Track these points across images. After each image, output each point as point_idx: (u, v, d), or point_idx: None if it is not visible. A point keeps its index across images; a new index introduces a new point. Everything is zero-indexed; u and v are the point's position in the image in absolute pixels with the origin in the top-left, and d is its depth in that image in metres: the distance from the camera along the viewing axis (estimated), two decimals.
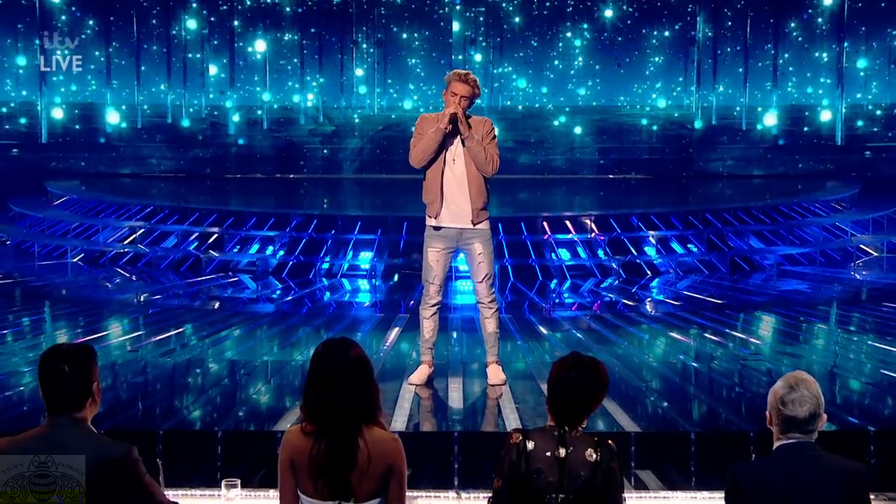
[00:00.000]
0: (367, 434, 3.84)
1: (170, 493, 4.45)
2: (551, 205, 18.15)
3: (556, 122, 21.88)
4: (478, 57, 21.81)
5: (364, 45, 21.84)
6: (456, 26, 21.76)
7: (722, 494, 3.93)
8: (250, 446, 6.40)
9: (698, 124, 21.63)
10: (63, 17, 21.19)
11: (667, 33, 21.77)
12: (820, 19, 21.42)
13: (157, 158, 21.63)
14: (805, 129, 21.50)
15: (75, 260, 14.47)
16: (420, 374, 7.52)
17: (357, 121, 21.89)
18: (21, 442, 3.79)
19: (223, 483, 4.87)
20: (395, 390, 7.32)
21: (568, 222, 14.34)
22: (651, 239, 14.15)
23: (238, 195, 19.39)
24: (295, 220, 14.50)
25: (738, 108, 21.59)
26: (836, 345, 9.77)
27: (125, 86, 21.49)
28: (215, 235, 14.32)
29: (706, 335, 9.88)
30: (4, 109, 21.40)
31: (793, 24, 21.54)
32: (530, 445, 3.95)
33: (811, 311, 11.31)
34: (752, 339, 9.91)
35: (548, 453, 3.93)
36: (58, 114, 21.32)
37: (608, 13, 21.68)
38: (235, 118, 21.72)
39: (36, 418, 6.32)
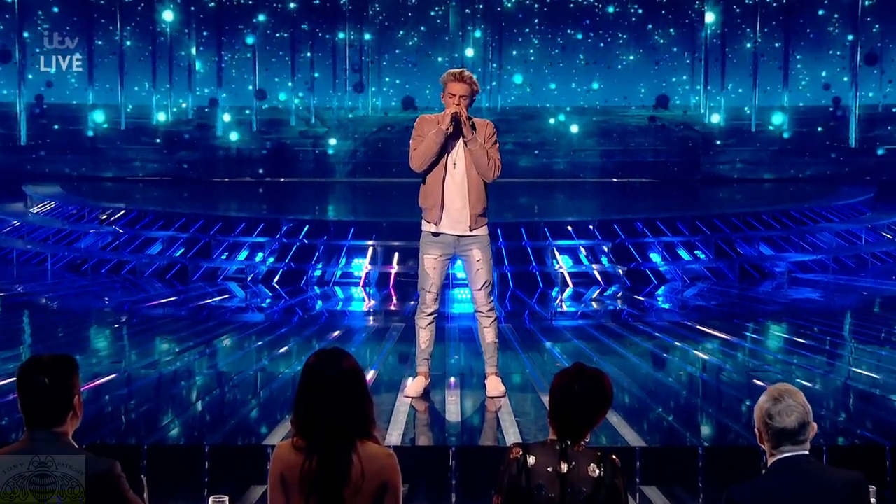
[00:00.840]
0: (361, 449, 3.84)
1: None
2: (553, 209, 18.17)
3: (557, 123, 21.89)
4: (470, 52, 21.82)
5: (357, 42, 21.87)
6: (453, 23, 21.79)
7: None
8: (239, 462, 6.40)
9: (706, 125, 21.65)
10: (41, 14, 21.19)
11: (672, 30, 21.81)
12: (834, 16, 21.44)
13: (142, 161, 21.63)
14: (818, 129, 21.52)
15: (55, 267, 14.47)
16: (416, 386, 7.52)
17: (350, 121, 21.91)
18: None
19: (210, 500, 4.85)
20: (390, 403, 7.32)
21: (570, 228, 14.35)
22: (657, 245, 14.17)
23: (226, 199, 19.39)
24: (285, 226, 14.50)
25: (747, 109, 21.61)
26: (851, 356, 9.77)
27: (108, 85, 21.48)
28: (202, 242, 14.32)
29: (714, 346, 9.89)
30: None
31: (804, 22, 21.57)
32: (531, 460, 3.95)
33: (824, 321, 11.33)
34: (763, 350, 9.92)
35: (549, 468, 3.93)
36: (38, 114, 21.31)
37: (611, 9, 21.71)
38: (224, 118, 21.71)
39: (13, 433, 6.32)
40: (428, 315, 7.41)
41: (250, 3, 21.64)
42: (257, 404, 7.63)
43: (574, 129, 21.79)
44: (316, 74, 21.86)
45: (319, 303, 12.59)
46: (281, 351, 9.78)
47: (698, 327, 10.76)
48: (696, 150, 21.73)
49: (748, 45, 21.59)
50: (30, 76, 21.26)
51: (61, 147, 21.47)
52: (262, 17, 21.68)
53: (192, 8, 21.60)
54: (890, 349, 9.82)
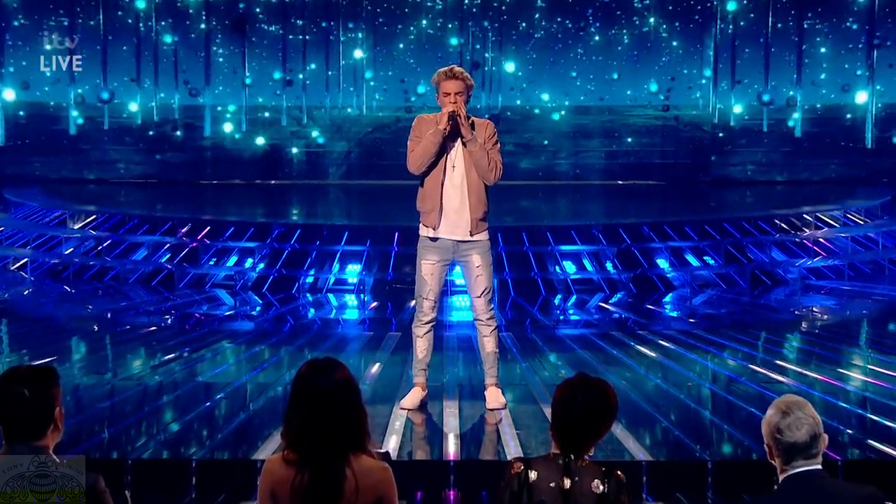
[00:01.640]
0: (355, 463, 3.85)
1: None
2: (555, 213, 18.18)
3: (559, 123, 21.91)
4: (462, 43, 21.85)
5: (351, 39, 21.89)
6: (451, 19, 21.80)
7: None
8: (227, 477, 6.40)
9: (716, 125, 21.67)
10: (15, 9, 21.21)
11: (678, 24, 21.81)
12: (850, 11, 21.47)
13: (125, 163, 21.64)
14: (833, 130, 21.54)
15: (34, 274, 14.47)
16: (412, 397, 7.52)
17: (344, 121, 21.93)
18: None
19: None
20: (385, 415, 7.32)
21: (573, 232, 14.36)
22: (664, 250, 14.19)
23: (214, 203, 19.40)
24: (276, 230, 14.51)
25: (759, 108, 21.61)
26: (867, 366, 9.78)
27: (90, 84, 21.49)
28: (189, 247, 14.32)
29: (724, 355, 9.90)
30: None
31: (819, 17, 21.59)
32: (532, 475, 3.96)
33: (839, 330, 11.33)
34: (775, 360, 9.92)
35: (551, 484, 3.94)
36: (16, 113, 21.32)
37: (617, 3, 21.74)
38: (211, 119, 21.72)
39: None
40: (425, 323, 7.42)
41: None
42: (246, 417, 7.63)
43: (577, 129, 21.79)
44: (313, 66, 21.87)
45: (312, 311, 12.60)
46: (271, 361, 9.78)
47: (708, 336, 10.77)
48: (706, 150, 21.74)
49: (760, 40, 21.59)
50: (4, 70, 21.28)
51: (41, 148, 21.46)
52: (252, 11, 21.68)
53: (178, 3, 21.62)
54: None
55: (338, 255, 13.93)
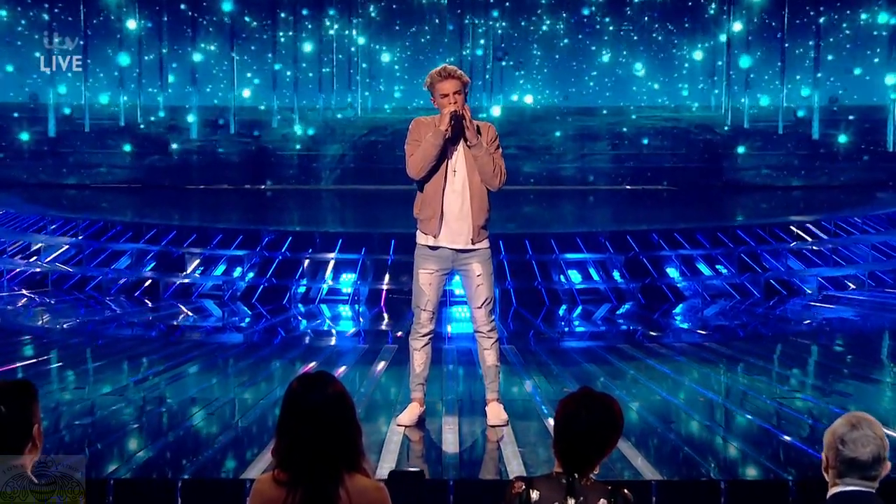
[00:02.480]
0: (349, 482, 3.85)
1: None
2: (560, 219, 18.19)
3: (565, 126, 21.93)
4: (467, 43, 21.90)
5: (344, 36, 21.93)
6: (451, 18, 21.83)
7: None
8: (214, 497, 6.40)
9: (728, 127, 21.69)
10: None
11: (687, 24, 21.84)
12: (873, 8, 21.50)
13: (108, 167, 21.65)
14: (852, 133, 21.56)
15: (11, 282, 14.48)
16: (410, 413, 7.52)
17: (338, 124, 21.95)
18: None
19: None
20: (380, 432, 7.33)
21: (579, 240, 14.37)
22: (674, 259, 14.20)
23: (201, 208, 19.41)
24: (266, 238, 14.52)
25: (774, 110, 21.63)
26: (889, 381, 9.79)
27: (71, 84, 21.51)
28: (175, 255, 14.33)
29: (738, 369, 9.90)
30: None
31: (836, 16, 21.62)
32: (535, 495, 3.96)
33: (860, 343, 11.33)
34: (791, 374, 9.93)
35: None
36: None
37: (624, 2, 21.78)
38: (199, 120, 21.73)
39: None
40: (423, 336, 7.43)
41: None
42: (235, 434, 7.63)
43: (583, 130, 21.82)
44: (304, 65, 21.89)
45: (304, 322, 12.60)
46: (261, 375, 9.78)
47: (720, 349, 10.78)
48: (718, 154, 21.75)
49: (777, 36, 21.60)
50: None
51: (18, 151, 21.49)
52: (240, 7, 21.73)
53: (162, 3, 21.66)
54: None
55: (331, 264, 13.94)
